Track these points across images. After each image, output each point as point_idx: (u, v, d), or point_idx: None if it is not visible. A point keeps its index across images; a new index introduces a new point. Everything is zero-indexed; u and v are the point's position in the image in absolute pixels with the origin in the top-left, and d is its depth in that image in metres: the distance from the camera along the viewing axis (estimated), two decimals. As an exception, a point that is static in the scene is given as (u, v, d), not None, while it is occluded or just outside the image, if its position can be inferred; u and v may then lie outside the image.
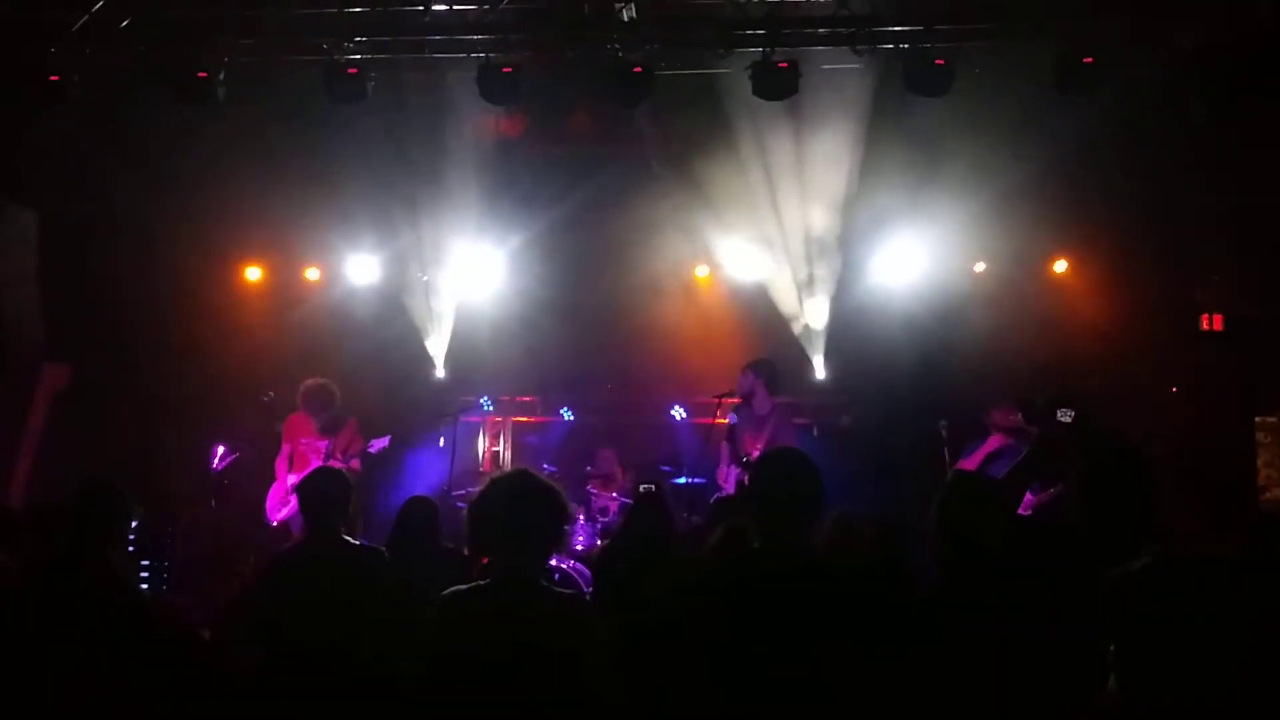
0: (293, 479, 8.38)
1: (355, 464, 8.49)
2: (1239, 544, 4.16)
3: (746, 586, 3.17)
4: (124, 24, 8.20)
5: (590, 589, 7.97)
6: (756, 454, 7.84)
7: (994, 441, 7.70)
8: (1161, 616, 2.27)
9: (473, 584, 3.39)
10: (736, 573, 3.37)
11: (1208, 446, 9.24)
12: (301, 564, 4.76)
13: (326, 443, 8.58)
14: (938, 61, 7.94)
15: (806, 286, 10.32)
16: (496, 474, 3.64)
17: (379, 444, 8.73)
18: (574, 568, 8.35)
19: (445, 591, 3.40)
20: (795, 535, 3.24)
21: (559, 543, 3.65)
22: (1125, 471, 3.87)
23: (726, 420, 8.55)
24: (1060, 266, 10.48)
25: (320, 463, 8.34)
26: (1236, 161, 8.87)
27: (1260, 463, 9.64)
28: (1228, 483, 9.04)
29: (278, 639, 4.28)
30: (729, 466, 8.26)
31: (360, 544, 4.86)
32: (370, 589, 4.56)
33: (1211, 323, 9.93)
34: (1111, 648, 2.35)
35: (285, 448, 8.72)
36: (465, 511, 3.48)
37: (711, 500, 8.46)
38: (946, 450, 8.18)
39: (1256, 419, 9.47)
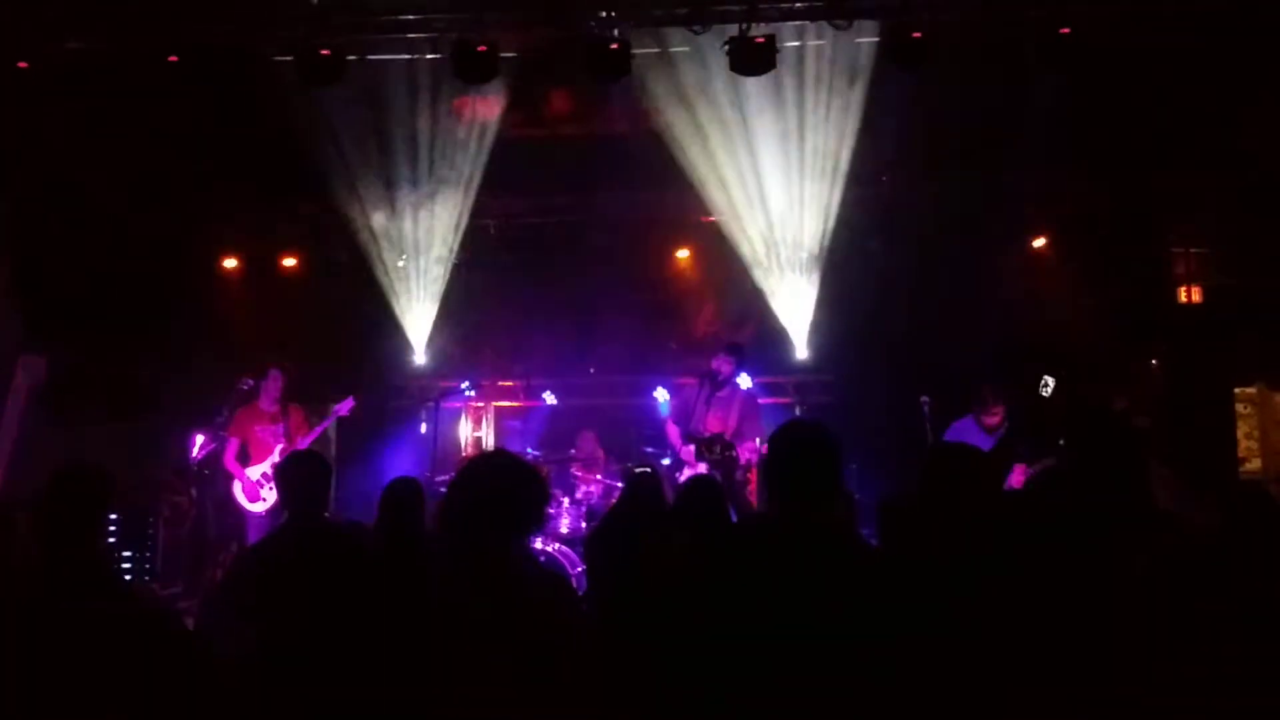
0: (260, 468, 8.39)
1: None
2: (1220, 518, 4.13)
3: (775, 559, 3.00)
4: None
5: (579, 570, 7.97)
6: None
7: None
8: None
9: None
10: (763, 545, 3.19)
11: (1187, 419, 9.26)
12: (284, 547, 4.72)
13: (281, 425, 8.52)
14: (914, 35, 7.89)
15: (789, 264, 10.29)
16: (473, 455, 3.62)
17: (344, 407, 8.69)
18: (560, 550, 8.34)
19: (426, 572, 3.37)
20: (820, 509, 3.01)
21: (535, 522, 3.61)
22: (1112, 439, 3.80)
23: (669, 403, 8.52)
24: (1039, 242, 10.48)
25: (284, 444, 8.38)
26: (1214, 135, 8.88)
27: (1240, 434, 9.66)
28: (1208, 456, 9.06)
29: (263, 625, 4.24)
30: (689, 445, 8.11)
31: (343, 523, 4.82)
32: (356, 568, 4.52)
33: (1190, 295, 9.96)
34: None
35: (234, 442, 8.53)
36: (443, 492, 3.46)
37: (684, 481, 8.17)
38: (929, 426, 8.17)
39: (1236, 390, 9.50)
